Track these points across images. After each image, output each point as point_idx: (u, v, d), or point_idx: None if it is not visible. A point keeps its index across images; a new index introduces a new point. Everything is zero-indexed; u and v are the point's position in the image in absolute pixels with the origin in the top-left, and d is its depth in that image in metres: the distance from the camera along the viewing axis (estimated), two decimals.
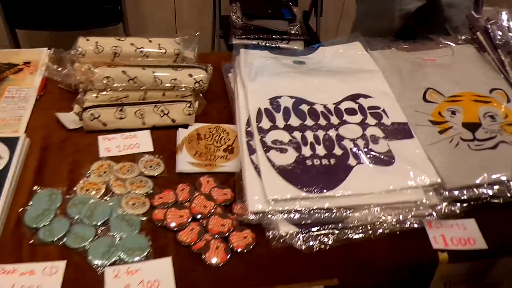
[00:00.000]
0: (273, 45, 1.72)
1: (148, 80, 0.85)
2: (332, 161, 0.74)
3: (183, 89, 0.87)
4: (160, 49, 0.90)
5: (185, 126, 0.86)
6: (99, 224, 0.67)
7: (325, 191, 0.69)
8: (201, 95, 0.89)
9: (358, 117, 0.82)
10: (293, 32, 1.73)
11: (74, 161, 0.78)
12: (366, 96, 0.86)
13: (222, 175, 0.77)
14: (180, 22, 2.16)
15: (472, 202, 0.73)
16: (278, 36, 1.72)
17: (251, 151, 0.76)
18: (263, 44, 1.72)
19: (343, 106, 0.84)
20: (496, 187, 0.74)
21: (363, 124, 0.81)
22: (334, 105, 0.84)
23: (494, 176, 0.74)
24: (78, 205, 0.69)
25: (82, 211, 0.68)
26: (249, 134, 0.79)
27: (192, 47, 0.96)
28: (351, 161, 0.75)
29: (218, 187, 0.75)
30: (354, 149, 0.76)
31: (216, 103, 0.92)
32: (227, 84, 0.94)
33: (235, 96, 0.88)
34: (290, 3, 1.87)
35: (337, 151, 0.76)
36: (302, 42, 1.75)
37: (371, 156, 0.76)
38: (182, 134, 0.84)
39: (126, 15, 1.90)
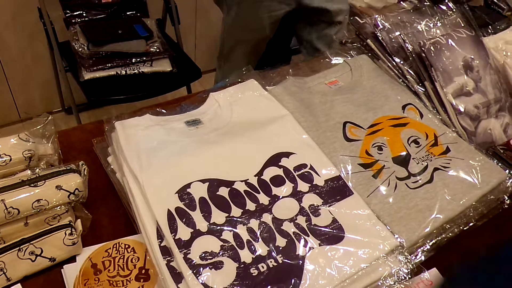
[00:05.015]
0: (135, 71, 1.47)
1: None
2: (280, 258, 0.60)
3: (54, 208, 0.62)
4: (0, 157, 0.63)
5: (72, 258, 0.62)
6: None
7: None
8: (82, 207, 0.65)
9: (288, 187, 0.68)
10: (154, 50, 1.50)
11: None
12: (287, 155, 0.72)
13: None
14: (4, 55, 1.73)
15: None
16: (138, 59, 1.47)
17: (176, 277, 0.57)
18: (123, 72, 1.46)
19: (266, 175, 0.69)
20: (447, 226, 0.69)
21: (296, 194, 0.67)
22: (257, 178, 0.68)
23: (442, 216, 0.68)
24: None
25: None
26: (165, 251, 0.60)
27: (47, 137, 0.71)
28: (300, 250, 0.61)
29: None
30: (298, 232, 0.63)
31: (103, 207, 0.69)
32: (110, 176, 0.72)
33: (128, 194, 0.67)
34: (139, 14, 1.62)
35: (280, 241, 0.62)
36: (168, 60, 1.54)
37: (318, 234, 0.63)
38: (70, 273, 0.61)
39: None
